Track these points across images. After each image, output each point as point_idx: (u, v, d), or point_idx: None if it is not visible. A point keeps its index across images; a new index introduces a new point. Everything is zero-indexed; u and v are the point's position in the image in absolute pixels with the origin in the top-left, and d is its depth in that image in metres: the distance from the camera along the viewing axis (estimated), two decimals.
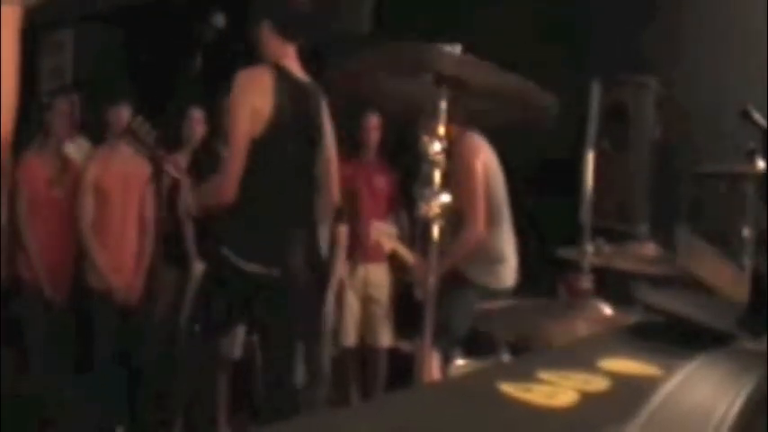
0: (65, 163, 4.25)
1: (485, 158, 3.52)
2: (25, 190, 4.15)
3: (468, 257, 3.47)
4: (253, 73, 3.00)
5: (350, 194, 4.58)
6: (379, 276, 4.60)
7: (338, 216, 4.44)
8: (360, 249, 4.59)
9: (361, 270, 4.60)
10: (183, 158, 3.99)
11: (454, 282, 3.40)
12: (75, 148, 4.36)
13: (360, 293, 4.59)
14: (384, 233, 4.00)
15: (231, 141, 2.95)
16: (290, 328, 3.18)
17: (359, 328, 4.60)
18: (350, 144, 4.70)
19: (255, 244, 3.01)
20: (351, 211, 4.58)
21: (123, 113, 4.07)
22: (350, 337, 4.58)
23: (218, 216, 3.11)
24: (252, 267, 2.96)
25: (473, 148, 3.48)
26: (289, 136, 3.02)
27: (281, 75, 3.02)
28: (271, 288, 2.99)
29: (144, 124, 3.41)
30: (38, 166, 4.19)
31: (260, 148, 2.94)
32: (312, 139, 3.16)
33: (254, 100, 2.93)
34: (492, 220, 3.51)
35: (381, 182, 4.68)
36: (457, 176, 3.24)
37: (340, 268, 4.48)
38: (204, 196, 3.12)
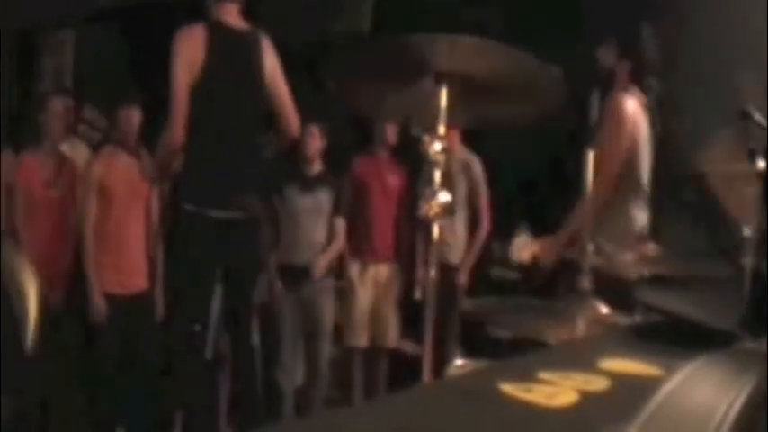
0: (61, 163, 4.25)
1: (636, 120, 3.28)
2: (22, 190, 4.14)
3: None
4: (187, 30, 3.29)
5: (361, 191, 4.56)
6: (388, 276, 4.58)
7: (337, 209, 4.44)
8: (370, 249, 4.56)
9: (372, 270, 4.57)
10: (136, 115, 4.07)
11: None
12: (71, 149, 4.34)
13: (370, 293, 4.57)
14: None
15: (172, 91, 3.21)
16: (253, 270, 3.55)
17: (369, 329, 4.57)
18: (364, 139, 4.67)
19: (213, 190, 3.27)
20: (361, 209, 4.56)
21: (133, 115, 4.07)
22: (360, 338, 4.55)
23: (179, 173, 3.40)
24: (216, 213, 3.23)
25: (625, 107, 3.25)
26: (226, 83, 3.28)
27: (216, 28, 3.29)
28: (238, 231, 3.28)
29: (94, 111, 3.58)
30: (34, 167, 4.18)
31: (199, 96, 3.21)
32: (251, 85, 3.38)
33: (187, 52, 3.22)
34: (632, 190, 3.29)
35: (394, 180, 4.62)
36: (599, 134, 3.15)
37: (327, 258, 4.45)
38: (159, 152, 3.39)
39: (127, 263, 4.15)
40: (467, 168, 4.50)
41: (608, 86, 3.28)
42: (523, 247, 3.57)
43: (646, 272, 2.27)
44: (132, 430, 4.15)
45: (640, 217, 3.32)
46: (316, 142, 4.42)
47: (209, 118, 3.22)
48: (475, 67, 1.74)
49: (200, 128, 3.21)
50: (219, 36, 3.28)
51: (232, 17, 3.35)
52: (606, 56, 3.33)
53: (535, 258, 3.43)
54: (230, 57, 3.32)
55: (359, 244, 4.56)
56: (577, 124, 2.97)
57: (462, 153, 4.50)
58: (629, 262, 2.34)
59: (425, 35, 1.70)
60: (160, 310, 4.17)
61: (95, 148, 4.05)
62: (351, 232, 4.57)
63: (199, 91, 3.21)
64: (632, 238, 3.28)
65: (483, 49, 1.73)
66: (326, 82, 2.00)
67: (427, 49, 1.71)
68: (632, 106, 3.25)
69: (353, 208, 4.58)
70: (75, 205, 4.18)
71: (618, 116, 3.20)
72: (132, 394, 4.12)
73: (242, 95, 3.36)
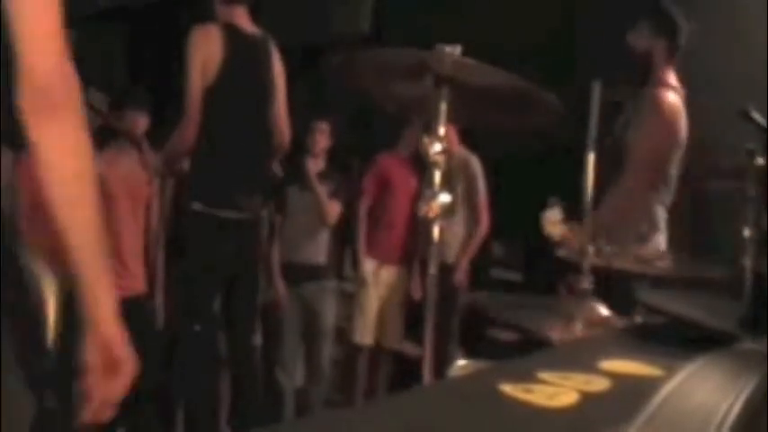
0: None
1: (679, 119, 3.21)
2: (23, 191, 4.13)
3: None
4: (203, 29, 3.26)
5: (384, 189, 4.53)
6: (398, 278, 4.56)
7: (334, 196, 4.42)
8: (388, 249, 4.53)
9: (385, 272, 4.54)
10: (143, 119, 4.02)
11: None
12: None
13: (381, 294, 4.54)
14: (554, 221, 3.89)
15: (186, 91, 3.20)
16: (258, 270, 3.57)
17: (376, 330, 4.55)
18: (390, 137, 4.65)
19: (223, 191, 3.28)
20: (383, 208, 4.53)
21: (140, 119, 4.05)
22: (368, 337, 4.52)
23: (189, 172, 3.40)
24: (225, 213, 3.24)
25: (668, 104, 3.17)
26: (240, 86, 3.27)
27: (230, 31, 3.27)
28: (242, 231, 3.31)
29: (97, 93, 3.54)
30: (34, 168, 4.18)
31: (213, 97, 3.20)
32: (264, 88, 3.40)
33: (204, 53, 3.20)
34: (660, 184, 3.23)
35: (413, 182, 4.55)
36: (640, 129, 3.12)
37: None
38: (171, 147, 3.41)
39: (125, 266, 4.14)
40: (465, 166, 4.47)
41: (643, 72, 3.21)
42: (555, 222, 3.52)
43: (646, 272, 2.28)
44: (133, 430, 4.14)
45: (662, 215, 3.28)
46: (324, 139, 4.41)
47: (221, 119, 3.23)
48: (475, 81, 1.76)
49: (211, 128, 3.21)
50: (235, 39, 3.28)
51: (243, 20, 3.35)
52: (639, 39, 3.27)
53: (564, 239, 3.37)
54: (246, 61, 3.32)
55: (377, 243, 4.53)
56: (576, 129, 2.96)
57: (461, 151, 4.48)
58: (630, 262, 2.34)
59: (428, 51, 1.71)
60: (160, 313, 4.17)
61: (95, 132, 4.02)
62: (370, 230, 4.54)
63: (213, 92, 3.21)
64: (653, 234, 3.24)
65: (483, 71, 1.74)
66: (328, 74, 2.02)
67: (429, 59, 1.72)
68: (673, 100, 3.17)
69: (375, 206, 4.55)
70: None
71: (659, 114, 3.13)
72: (133, 395, 4.12)
73: (254, 99, 3.38)
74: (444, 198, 1.68)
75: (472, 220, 4.53)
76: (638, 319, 1.73)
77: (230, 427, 4.01)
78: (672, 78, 3.21)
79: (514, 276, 5.05)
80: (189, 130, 3.20)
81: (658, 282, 2.23)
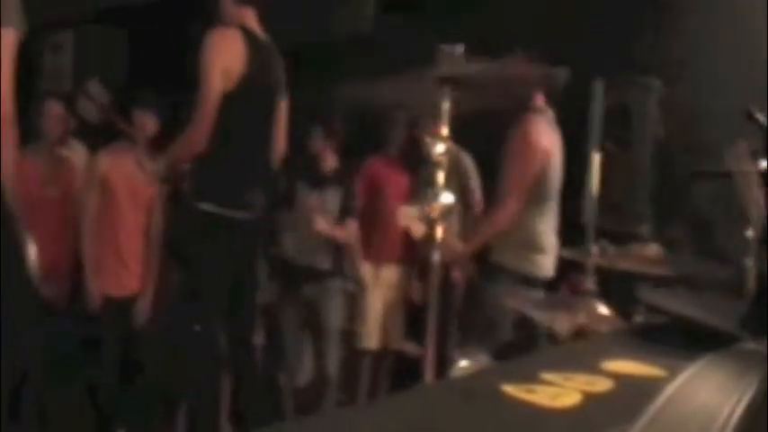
0: (59, 163, 4.23)
1: (545, 141, 3.27)
2: (18, 190, 4.12)
3: (500, 239, 3.27)
4: (224, 33, 3.18)
5: (375, 191, 4.51)
6: (398, 277, 4.54)
7: (347, 211, 4.41)
8: (384, 250, 4.51)
9: (385, 272, 4.52)
10: (152, 120, 4.00)
11: (486, 272, 3.32)
12: (69, 150, 4.33)
13: (383, 295, 4.53)
14: (412, 217, 3.91)
15: (203, 96, 3.11)
16: (258, 270, 3.58)
17: (381, 332, 4.53)
18: (377, 139, 4.64)
19: (237, 191, 3.25)
20: (375, 210, 4.52)
21: (149, 120, 4.04)
22: (373, 340, 4.51)
23: (191, 173, 3.34)
24: (233, 213, 3.22)
25: (534, 129, 3.24)
26: (255, 92, 3.23)
27: (248, 36, 3.21)
28: (247, 231, 3.30)
29: (97, 85, 3.51)
30: (29, 166, 4.17)
31: (231, 102, 3.14)
32: (274, 94, 3.37)
33: (225, 58, 3.13)
34: (537, 204, 3.30)
35: (403, 181, 4.51)
36: (510, 154, 3.18)
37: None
38: (177, 149, 3.34)
39: (125, 265, 4.13)
40: (456, 163, 4.43)
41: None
42: (412, 218, 3.52)
43: (649, 273, 2.28)
44: (133, 430, 4.15)
45: (547, 231, 3.33)
46: (317, 143, 4.38)
47: (238, 123, 3.19)
48: (476, 81, 1.77)
49: (226, 132, 3.16)
50: (254, 44, 3.23)
51: (253, 23, 3.31)
52: (517, 65, 3.31)
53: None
54: (263, 66, 3.27)
55: (373, 245, 4.51)
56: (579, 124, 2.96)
57: (451, 148, 4.42)
58: (633, 263, 2.34)
59: (430, 51, 1.72)
60: (159, 312, 4.16)
61: (95, 125, 4.00)
62: (364, 233, 4.53)
63: (232, 97, 3.15)
64: (536, 250, 3.30)
65: (485, 71, 1.75)
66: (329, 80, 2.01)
67: (431, 59, 1.73)
68: (543, 129, 3.24)
69: (367, 208, 4.54)
70: (74, 204, 4.16)
71: (528, 141, 3.18)
72: (133, 395, 4.12)
73: (266, 103, 3.36)
74: (447, 198, 1.68)
75: (468, 217, 4.50)
76: (641, 319, 1.73)
77: (232, 427, 4.01)
78: (541, 102, 3.25)
79: None
80: (202, 133, 3.14)
81: (660, 281, 2.23)
